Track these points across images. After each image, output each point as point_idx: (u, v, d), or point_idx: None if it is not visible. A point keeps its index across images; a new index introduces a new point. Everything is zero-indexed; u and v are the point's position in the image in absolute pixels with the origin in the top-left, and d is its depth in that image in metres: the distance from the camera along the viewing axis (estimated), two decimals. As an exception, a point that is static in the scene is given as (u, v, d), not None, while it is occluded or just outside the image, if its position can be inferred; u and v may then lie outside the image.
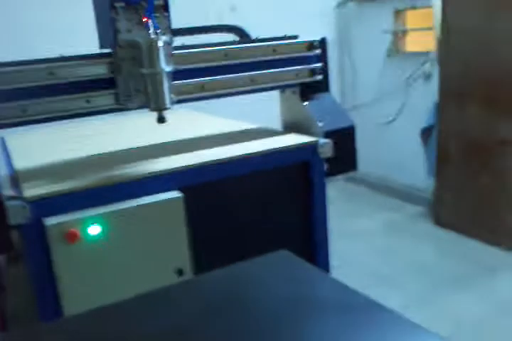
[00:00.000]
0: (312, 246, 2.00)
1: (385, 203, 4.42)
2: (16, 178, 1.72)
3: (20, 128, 1.69)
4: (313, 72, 2.06)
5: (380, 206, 4.36)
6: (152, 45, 1.59)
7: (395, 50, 4.43)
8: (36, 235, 1.48)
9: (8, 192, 1.54)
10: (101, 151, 2.04)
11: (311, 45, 2.04)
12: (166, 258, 1.64)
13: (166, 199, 1.62)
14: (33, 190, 1.54)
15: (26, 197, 1.49)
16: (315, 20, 4.46)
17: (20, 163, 1.93)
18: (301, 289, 0.96)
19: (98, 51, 1.73)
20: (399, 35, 4.39)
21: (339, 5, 4.74)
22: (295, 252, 1.16)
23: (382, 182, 4.69)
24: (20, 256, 1.58)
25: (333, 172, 2.02)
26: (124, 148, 2.07)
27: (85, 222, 1.49)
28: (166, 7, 1.66)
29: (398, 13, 4.33)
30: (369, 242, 3.70)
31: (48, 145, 2.34)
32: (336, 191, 4.25)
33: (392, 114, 4.50)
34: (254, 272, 1.05)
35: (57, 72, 1.63)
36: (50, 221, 1.47)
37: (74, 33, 3.39)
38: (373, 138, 4.53)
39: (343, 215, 3.86)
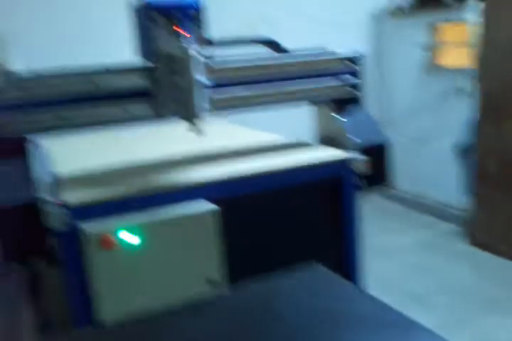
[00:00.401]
0: (345, 262, 1.98)
1: (419, 220, 4.33)
2: (56, 184, 1.77)
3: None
4: (348, 86, 2.06)
5: (414, 223, 4.28)
6: (186, 55, 1.62)
7: (430, 65, 4.38)
8: (74, 241, 1.51)
9: (48, 197, 1.58)
10: (139, 160, 2.08)
11: (346, 60, 2.04)
12: (199, 268, 1.65)
13: (200, 211, 1.64)
14: (72, 197, 1.58)
15: (66, 203, 1.53)
16: (350, 33, 4.47)
17: (60, 169, 1.98)
18: (337, 304, 0.95)
19: (136, 62, 1.78)
20: (434, 49, 4.35)
21: (374, 18, 4.74)
22: (329, 268, 1.15)
23: (416, 198, 4.60)
24: (57, 261, 1.61)
25: (367, 187, 2.00)
26: (162, 157, 2.11)
27: (121, 230, 1.52)
28: (202, 19, 1.69)
29: (433, 28, 4.30)
30: (402, 260, 3.62)
31: (87, 152, 2.40)
32: (369, 207, 4.17)
33: (427, 129, 4.43)
34: (287, 285, 1.04)
35: (97, 82, 1.67)
36: (88, 227, 1.51)
37: (112, 43, 3.49)
38: (408, 154, 4.47)
39: (375, 232, 3.79)
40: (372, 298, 0.98)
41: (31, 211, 1.49)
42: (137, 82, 1.72)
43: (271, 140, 2.37)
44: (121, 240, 1.52)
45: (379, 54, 4.79)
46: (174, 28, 1.66)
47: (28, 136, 1.63)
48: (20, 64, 3.43)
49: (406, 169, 4.14)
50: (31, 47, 3.46)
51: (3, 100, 1.56)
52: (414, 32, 4.38)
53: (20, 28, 3.44)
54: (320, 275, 1.07)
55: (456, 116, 4.03)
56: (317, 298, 0.98)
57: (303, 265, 1.11)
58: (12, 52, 3.42)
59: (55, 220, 1.50)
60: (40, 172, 1.67)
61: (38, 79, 1.62)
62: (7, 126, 1.57)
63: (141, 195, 1.62)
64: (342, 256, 1.98)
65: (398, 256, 3.68)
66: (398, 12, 4.46)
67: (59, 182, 1.77)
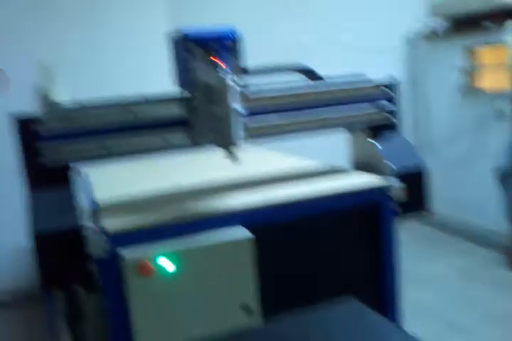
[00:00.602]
0: (382, 292, 1.94)
1: (458, 246, 4.21)
2: (97, 211, 1.81)
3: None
4: (383, 112, 2.06)
5: (453, 249, 4.16)
6: (223, 85, 1.66)
7: (468, 88, 4.33)
8: (113, 267, 1.55)
9: (89, 224, 1.62)
10: (176, 187, 2.12)
11: (381, 86, 2.05)
12: (234, 296, 1.66)
13: (236, 238, 1.65)
14: (112, 224, 1.63)
15: (106, 230, 1.57)
16: (384, 59, 4.48)
17: (101, 195, 2.04)
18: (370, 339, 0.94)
19: (174, 92, 1.83)
20: (471, 72, 4.30)
21: (409, 42, 4.74)
22: (364, 296, 1.14)
23: (455, 224, 4.49)
24: (96, 287, 1.64)
25: (404, 213, 1.98)
26: (198, 184, 2.14)
27: (159, 257, 1.54)
28: (238, 49, 1.74)
29: (470, 50, 4.26)
30: (442, 288, 3.52)
31: (127, 180, 2.46)
32: (407, 233, 4.09)
33: (466, 153, 4.35)
34: (323, 320, 1.04)
35: (137, 112, 1.73)
36: (127, 254, 1.54)
37: (151, 73, 3.61)
38: (446, 178, 4.39)
39: (414, 259, 3.71)
40: (407, 336, 0.96)
41: (73, 237, 1.53)
42: (175, 111, 1.77)
43: (307, 166, 2.37)
44: (159, 267, 1.54)
45: (415, 78, 4.78)
46: (211, 58, 1.71)
47: (72, 165, 1.69)
48: (65, 94, 3.58)
49: (445, 194, 4.05)
50: (75, 79, 3.61)
51: (50, 130, 1.63)
52: (450, 55, 4.35)
53: (66, 60, 3.60)
54: (356, 310, 1.06)
55: (496, 140, 3.95)
56: (352, 334, 0.96)
57: (339, 300, 1.10)
58: (58, 83, 3.57)
59: (95, 247, 1.54)
60: (82, 199, 1.73)
61: (82, 109, 1.69)
62: (53, 155, 1.63)
63: (178, 221, 1.65)
64: (379, 285, 1.94)
65: (437, 283, 3.58)
66: (433, 36, 4.45)
67: (100, 210, 1.82)
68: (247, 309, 1.64)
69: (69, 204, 1.60)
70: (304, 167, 2.35)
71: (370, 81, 2.05)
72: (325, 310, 1.07)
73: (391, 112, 2.07)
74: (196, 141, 1.79)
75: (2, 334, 3.22)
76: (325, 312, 1.06)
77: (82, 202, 1.81)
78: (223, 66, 1.67)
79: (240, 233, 1.67)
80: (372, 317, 1.05)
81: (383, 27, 4.47)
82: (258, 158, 2.74)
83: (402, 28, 4.60)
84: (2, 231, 3.54)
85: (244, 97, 1.77)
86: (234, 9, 4.01)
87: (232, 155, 1.74)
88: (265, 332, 1.05)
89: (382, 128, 2.08)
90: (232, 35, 1.70)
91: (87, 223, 1.63)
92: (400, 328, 1.03)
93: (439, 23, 4.35)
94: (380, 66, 3.90)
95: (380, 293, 1.94)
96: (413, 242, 4.11)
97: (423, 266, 3.81)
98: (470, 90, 4.32)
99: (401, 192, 1.91)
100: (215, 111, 1.68)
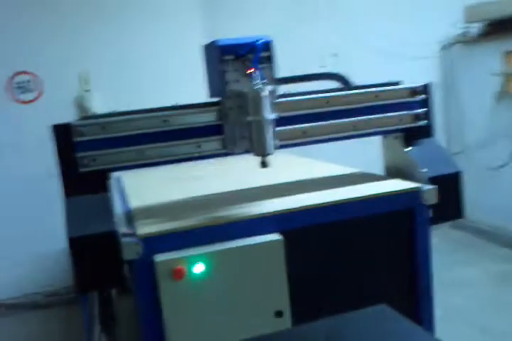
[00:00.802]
0: (415, 296, 1.91)
1: (493, 252, 4.11)
2: (131, 216, 1.86)
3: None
4: (416, 117, 2.04)
5: (488, 255, 4.07)
6: (257, 95, 1.68)
7: (503, 93, 4.23)
8: (146, 270, 1.58)
9: (123, 229, 1.67)
10: (207, 192, 2.15)
11: (414, 91, 2.03)
12: (265, 299, 1.67)
13: (266, 242, 1.66)
14: (145, 228, 1.67)
15: (139, 235, 1.61)
16: (419, 64, 4.43)
17: (135, 201, 2.09)
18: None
19: (208, 101, 1.86)
20: (507, 77, 4.20)
21: (444, 47, 4.67)
22: (397, 302, 1.13)
23: (491, 230, 4.38)
24: (129, 289, 1.68)
25: (438, 219, 1.95)
26: (229, 189, 2.17)
27: (191, 260, 1.57)
28: (271, 59, 1.76)
29: (507, 54, 4.17)
30: (476, 294, 3.44)
31: (160, 185, 2.52)
32: (441, 238, 4.02)
33: (502, 158, 4.25)
34: (353, 327, 1.03)
35: (170, 120, 1.77)
36: (160, 257, 1.57)
37: (184, 84, 3.68)
38: (481, 184, 4.29)
39: (447, 264, 3.65)
40: None
41: (107, 241, 1.57)
42: (209, 119, 1.80)
43: (337, 171, 2.37)
44: (191, 270, 1.57)
45: (449, 83, 4.70)
46: (245, 68, 1.73)
47: (107, 171, 1.74)
48: (102, 104, 3.69)
49: (479, 199, 3.97)
50: (112, 89, 3.72)
51: (87, 138, 1.68)
52: (485, 60, 4.27)
53: (103, 71, 3.71)
54: (388, 318, 1.05)
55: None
56: (384, 339, 0.96)
57: (371, 307, 1.09)
58: (95, 93, 3.69)
59: (129, 250, 1.58)
60: (117, 205, 1.77)
61: (117, 118, 1.74)
62: (89, 162, 1.69)
63: (210, 225, 1.68)
64: (413, 290, 1.91)
65: (470, 288, 3.50)
66: (468, 40, 4.38)
67: (134, 214, 1.87)
68: (277, 312, 1.65)
69: (104, 209, 1.65)
70: (335, 172, 2.34)
71: (404, 87, 2.04)
72: (356, 316, 1.07)
73: (425, 118, 2.05)
74: (229, 148, 1.82)
75: (40, 335, 3.32)
76: (356, 318, 1.06)
77: (117, 207, 1.86)
78: (256, 75, 1.69)
79: (271, 237, 1.68)
80: (405, 324, 1.03)
81: (418, 32, 4.43)
82: (290, 164, 2.75)
83: (437, 32, 4.54)
84: (41, 235, 3.66)
85: (278, 105, 1.78)
86: (266, 18, 4.05)
87: (263, 161, 1.75)
88: (293, 335, 1.05)
89: (416, 134, 2.06)
90: (266, 44, 1.71)
91: (122, 228, 1.68)
92: (433, 337, 1.02)
93: (475, 28, 4.28)
94: (415, 72, 3.86)
95: (414, 299, 1.91)
96: (446, 248, 4.03)
97: (457, 271, 3.74)
98: (505, 95, 4.22)
99: (435, 197, 1.88)
100: (248, 119, 1.70)
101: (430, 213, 1.92)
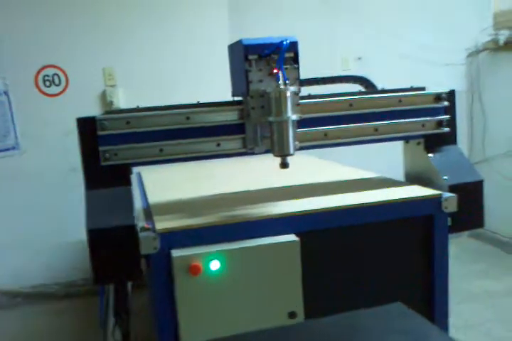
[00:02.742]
0: (430, 305, 1.89)
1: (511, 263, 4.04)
2: (149, 211, 1.88)
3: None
4: (439, 123, 2.02)
5: (507, 266, 4.00)
6: (280, 95, 1.68)
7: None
8: (162, 265, 1.60)
9: (142, 223, 1.69)
10: (226, 191, 2.17)
11: (438, 97, 2.01)
12: (279, 300, 1.67)
13: (283, 242, 1.66)
14: (163, 223, 1.68)
15: (157, 229, 1.63)
16: (445, 70, 4.38)
17: (154, 197, 2.12)
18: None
19: (230, 99, 1.87)
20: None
21: (471, 54, 4.61)
22: (412, 309, 1.12)
23: (510, 241, 4.31)
24: (145, 284, 1.70)
25: (457, 228, 1.92)
26: (247, 189, 2.18)
27: (208, 257, 1.58)
28: (295, 59, 1.76)
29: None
30: (494, 307, 3.38)
31: (179, 182, 2.54)
32: (459, 248, 4.00)
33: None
34: (367, 322, 1.03)
35: (192, 117, 1.79)
36: (177, 253, 1.59)
37: (209, 81, 3.71)
38: (502, 194, 4.23)
39: (465, 275, 3.59)
40: None
41: (126, 235, 1.59)
42: (231, 118, 1.81)
43: (356, 175, 2.36)
44: (207, 267, 1.58)
45: (474, 91, 4.64)
46: (268, 67, 1.74)
47: (130, 166, 1.77)
48: (126, 99, 3.74)
49: (499, 209, 3.90)
50: (136, 85, 3.76)
51: (110, 132, 1.71)
52: (512, 67, 4.21)
53: (128, 68, 3.75)
54: (403, 315, 1.05)
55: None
56: (397, 337, 0.96)
57: (386, 304, 1.09)
58: (119, 89, 3.73)
59: (147, 245, 1.60)
60: (136, 199, 1.79)
61: (140, 113, 1.76)
62: (113, 156, 1.71)
63: (227, 224, 1.69)
64: (428, 298, 1.90)
65: (489, 301, 3.44)
66: (495, 47, 4.32)
67: (153, 210, 1.89)
68: (291, 313, 1.65)
69: (124, 203, 1.67)
70: (354, 176, 2.34)
71: (428, 92, 2.02)
72: (372, 313, 1.06)
73: (448, 125, 2.03)
74: (249, 148, 1.83)
75: (55, 325, 3.37)
76: (372, 315, 1.06)
77: (136, 202, 1.88)
78: (281, 75, 1.70)
79: (287, 237, 1.69)
80: (421, 322, 1.03)
81: (444, 38, 4.38)
82: (310, 166, 2.75)
83: (465, 39, 4.49)
84: (61, 227, 3.72)
85: (300, 106, 1.79)
86: (293, 19, 4.05)
87: (282, 162, 1.76)
88: (308, 328, 1.06)
89: (438, 141, 2.04)
90: (291, 45, 1.71)
91: (140, 222, 1.70)
92: (448, 336, 1.01)
93: (504, 35, 4.22)
94: (440, 78, 3.83)
95: (429, 307, 1.90)
96: (464, 258, 3.97)
97: (474, 282, 3.68)
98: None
99: (455, 206, 1.86)
100: (270, 120, 1.71)
101: (449, 221, 1.90)
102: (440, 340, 0.95)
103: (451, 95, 2.03)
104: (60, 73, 3.69)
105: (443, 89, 2.03)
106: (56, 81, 3.69)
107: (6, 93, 3.64)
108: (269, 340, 1.00)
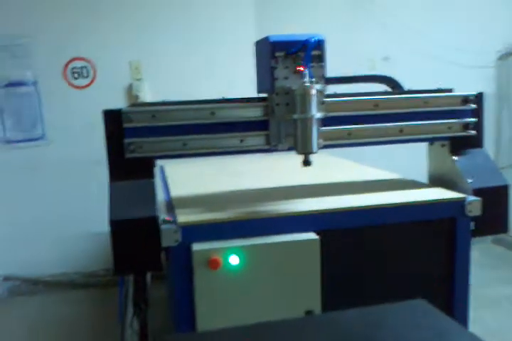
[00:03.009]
0: (450, 309, 1.87)
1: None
2: (171, 204, 1.90)
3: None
4: (465, 126, 1.99)
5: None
6: (305, 93, 1.68)
7: None
8: (182, 258, 1.61)
9: (163, 216, 1.71)
10: (248, 187, 2.17)
11: (465, 99, 1.98)
12: (297, 297, 1.67)
13: (303, 240, 1.67)
14: (185, 217, 1.70)
15: (179, 223, 1.65)
16: (474, 73, 4.30)
17: (176, 190, 2.14)
18: (436, 339, 0.93)
19: (255, 96, 1.88)
20: None
21: (502, 57, 4.53)
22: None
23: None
24: (164, 275, 1.71)
25: (480, 232, 1.90)
26: (269, 186, 2.19)
27: (228, 252, 1.59)
28: (322, 57, 1.75)
29: None
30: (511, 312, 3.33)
31: (201, 177, 2.56)
32: (481, 253, 3.92)
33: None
34: (388, 317, 1.04)
35: (217, 113, 1.80)
36: (197, 247, 1.60)
37: (234, 77, 3.72)
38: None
39: (486, 281, 3.54)
40: (475, 337, 0.94)
41: (147, 226, 1.61)
42: (255, 114, 1.82)
43: (379, 175, 2.35)
44: (226, 261, 1.59)
45: (503, 94, 4.56)
46: (295, 64, 1.74)
47: (154, 159, 1.79)
48: (151, 94, 3.77)
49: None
50: (162, 80, 3.79)
51: (135, 125, 1.73)
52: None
53: (154, 62, 3.78)
54: (424, 311, 1.05)
55: None
56: (418, 332, 0.96)
57: (409, 300, 1.09)
58: (145, 83, 3.77)
59: (168, 237, 1.61)
60: (159, 192, 1.81)
61: (167, 107, 1.78)
62: (138, 148, 1.73)
63: (247, 219, 1.70)
64: (448, 301, 1.88)
65: (506, 306, 3.39)
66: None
67: (174, 203, 1.90)
68: (308, 312, 1.65)
69: (147, 195, 1.69)
70: (376, 176, 2.32)
71: (455, 94, 2.00)
72: (394, 308, 1.07)
73: (475, 128, 2.00)
74: (272, 145, 1.83)
75: (74, 314, 3.43)
76: (393, 310, 1.06)
77: (159, 195, 1.90)
78: (306, 73, 1.69)
79: (307, 235, 1.68)
80: (443, 318, 1.03)
81: (475, 40, 4.31)
82: (331, 165, 2.74)
83: (495, 41, 4.41)
84: (85, 218, 3.78)
85: (325, 105, 1.78)
86: (320, 18, 4.03)
87: (305, 160, 1.76)
88: (328, 321, 1.06)
89: (464, 144, 2.01)
90: (318, 43, 1.71)
91: (162, 214, 1.72)
92: (470, 333, 1.00)
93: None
94: (468, 80, 3.75)
95: (448, 311, 1.87)
96: (486, 263, 3.90)
97: (495, 289, 3.62)
98: None
99: (478, 210, 1.84)
100: (293, 116, 1.71)
101: (472, 225, 1.87)
102: (462, 336, 0.95)
103: (479, 98, 2.00)
104: (89, 66, 3.74)
105: (471, 91, 2.00)
106: (84, 73, 3.75)
107: (34, 84, 3.71)
108: (289, 330, 1.00)
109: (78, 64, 3.74)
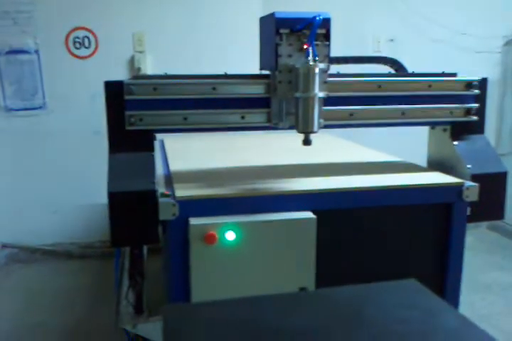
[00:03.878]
0: (442, 291, 1.89)
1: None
2: (170, 178, 1.91)
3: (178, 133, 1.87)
4: (468, 111, 1.98)
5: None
6: (309, 71, 1.66)
7: None
8: (179, 232, 1.62)
9: (162, 189, 1.71)
10: (248, 164, 2.17)
11: (469, 84, 1.97)
12: (291, 274, 1.69)
13: (300, 219, 1.68)
14: (183, 191, 1.70)
15: (177, 197, 1.65)
16: (479, 57, 4.27)
17: (175, 165, 2.14)
18: (424, 318, 0.95)
19: (258, 73, 1.86)
20: None
21: (508, 43, 4.48)
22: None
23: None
24: (160, 249, 1.72)
25: (476, 217, 1.91)
26: (269, 163, 2.19)
27: (224, 227, 1.60)
28: (327, 36, 1.73)
29: None
30: (507, 299, 3.38)
31: (201, 152, 2.56)
32: (476, 239, 3.97)
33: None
34: (379, 295, 1.05)
35: (219, 88, 1.78)
36: (194, 221, 1.61)
37: (237, 52, 3.68)
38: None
39: (479, 266, 3.58)
40: (463, 318, 0.96)
41: (145, 199, 1.62)
42: (257, 91, 1.80)
43: (378, 158, 2.35)
44: (223, 236, 1.60)
45: (508, 81, 4.52)
46: (299, 42, 1.72)
47: (154, 132, 1.78)
48: (154, 66, 3.73)
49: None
50: (165, 53, 3.75)
51: (136, 98, 1.72)
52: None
53: (159, 35, 3.73)
54: (416, 290, 1.07)
55: None
56: (408, 310, 0.98)
57: (401, 280, 1.11)
58: (148, 55, 3.73)
59: (166, 211, 1.62)
60: (159, 166, 1.81)
61: (169, 80, 1.77)
62: (138, 121, 1.73)
63: (245, 196, 1.70)
64: (440, 284, 1.90)
65: (503, 294, 3.43)
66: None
67: (172, 177, 1.91)
68: (301, 289, 1.67)
69: (146, 168, 1.69)
70: (376, 159, 2.32)
71: (459, 79, 1.98)
72: (385, 286, 1.08)
73: (477, 113, 1.99)
74: (273, 122, 1.82)
75: (70, 285, 3.47)
76: (385, 288, 1.07)
77: (158, 168, 1.90)
78: (311, 51, 1.67)
79: (304, 214, 1.69)
80: (434, 299, 1.04)
81: (481, 24, 4.25)
82: (331, 145, 2.74)
83: (503, 26, 4.35)
84: (83, 189, 3.79)
85: (328, 85, 1.77)
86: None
87: (306, 139, 1.75)
88: (321, 296, 1.08)
89: (465, 129, 2.01)
90: (324, 22, 1.68)
91: (160, 188, 1.72)
92: (460, 314, 1.03)
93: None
94: (473, 65, 3.73)
95: (440, 295, 1.90)
96: (480, 249, 3.94)
97: (488, 275, 3.66)
98: None
99: (476, 195, 1.84)
100: (295, 94, 1.70)
101: (468, 210, 1.88)
102: (452, 316, 0.96)
103: (482, 83, 1.98)
104: (91, 36, 3.69)
105: (475, 76, 1.98)
106: (86, 43, 3.70)
107: (36, 52, 3.67)
108: (280, 305, 1.02)
109: (80, 33, 3.69)
